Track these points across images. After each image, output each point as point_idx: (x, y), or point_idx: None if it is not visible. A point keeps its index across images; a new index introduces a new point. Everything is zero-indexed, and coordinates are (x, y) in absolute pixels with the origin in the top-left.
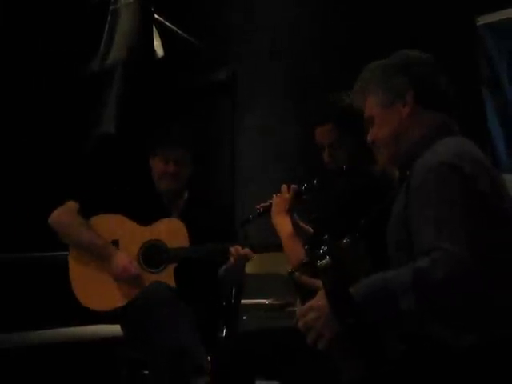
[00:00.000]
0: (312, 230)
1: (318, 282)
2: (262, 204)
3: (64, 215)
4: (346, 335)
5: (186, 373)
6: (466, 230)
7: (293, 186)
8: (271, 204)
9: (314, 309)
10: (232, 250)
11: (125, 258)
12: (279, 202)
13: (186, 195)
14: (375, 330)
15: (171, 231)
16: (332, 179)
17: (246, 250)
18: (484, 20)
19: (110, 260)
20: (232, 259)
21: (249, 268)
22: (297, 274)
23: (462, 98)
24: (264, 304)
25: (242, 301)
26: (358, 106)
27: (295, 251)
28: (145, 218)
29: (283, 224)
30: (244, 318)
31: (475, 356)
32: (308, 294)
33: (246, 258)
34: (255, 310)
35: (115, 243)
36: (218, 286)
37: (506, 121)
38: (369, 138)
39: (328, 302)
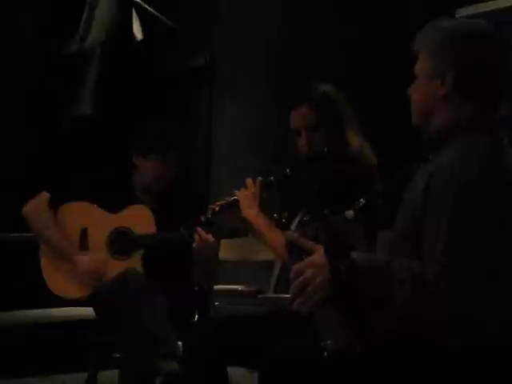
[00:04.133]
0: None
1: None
2: (218, 203)
3: (34, 209)
4: (337, 301)
5: (157, 359)
6: (475, 251)
7: (259, 178)
8: (230, 201)
9: (313, 265)
10: (196, 234)
11: (89, 262)
12: (248, 196)
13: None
14: (365, 305)
15: (138, 218)
16: (307, 166)
17: (208, 236)
18: (462, 13)
19: (73, 263)
20: (195, 244)
21: (222, 254)
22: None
23: None
24: (237, 290)
25: (215, 287)
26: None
27: (279, 240)
28: (115, 206)
29: (258, 217)
30: (216, 304)
31: (460, 357)
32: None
33: (208, 243)
34: (228, 296)
35: (84, 231)
36: (190, 272)
37: None
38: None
39: (327, 261)
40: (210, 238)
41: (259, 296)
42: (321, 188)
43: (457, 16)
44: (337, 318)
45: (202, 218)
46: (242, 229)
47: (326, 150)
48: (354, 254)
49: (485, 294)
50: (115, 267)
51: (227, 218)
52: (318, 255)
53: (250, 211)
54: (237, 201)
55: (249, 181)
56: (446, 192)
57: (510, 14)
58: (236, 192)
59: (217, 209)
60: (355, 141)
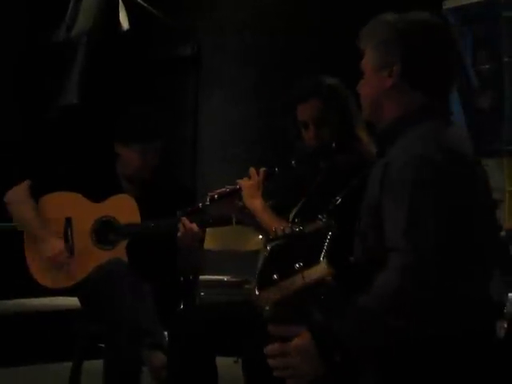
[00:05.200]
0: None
1: None
2: (217, 190)
3: (16, 196)
4: (329, 375)
5: (143, 349)
6: (436, 233)
7: (262, 169)
8: (232, 190)
9: (300, 352)
10: (180, 223)
11: (57, 246)
12: (251, 185)
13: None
14: (355, 367)
15: (122, 207)
16: (313, 158)
17: (192, 225)
18: (449, 4)
19: (43, 242)
20: (179, 233)
21: (208, 244)
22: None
23: None
24: (222, 281)
25: (200, 277)
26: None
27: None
28: (99, 196)
29: (262, 207)
30: (202, 294)
31: (431, 347)
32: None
33: (192, 233)
34: (213, 286)
35: (68, 220)
36: (175, 262)
37: (468, 105)
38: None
39: (314, 342)
40: (194, 227)
41: (245, 286)
42: (324, 179)
43: (444, 8)
44: None
45: (200, 205)
46: (231, 218)
47: (334, 144)
48: (335, 327)
49: (449, 272)
50: (99, 257)
51: (223, 207)
52: (304, 340)
53: (254, 201)
54: (238, 190)
55: (252, 170)
56: (401, 179)
57: (495, 5)
58: (239, 181)
59: (216, 196)
60: (364, 136)
